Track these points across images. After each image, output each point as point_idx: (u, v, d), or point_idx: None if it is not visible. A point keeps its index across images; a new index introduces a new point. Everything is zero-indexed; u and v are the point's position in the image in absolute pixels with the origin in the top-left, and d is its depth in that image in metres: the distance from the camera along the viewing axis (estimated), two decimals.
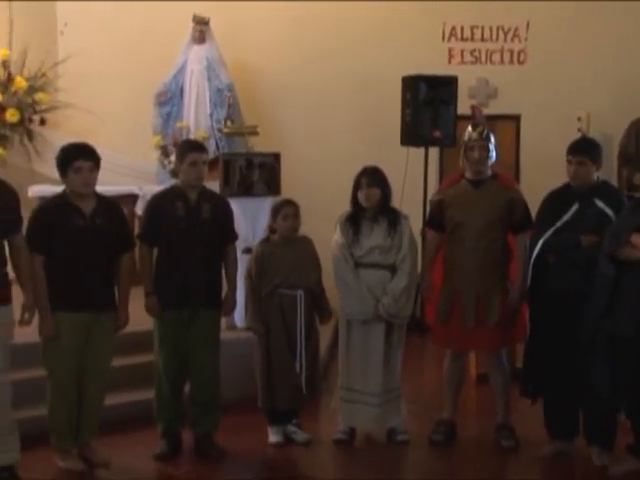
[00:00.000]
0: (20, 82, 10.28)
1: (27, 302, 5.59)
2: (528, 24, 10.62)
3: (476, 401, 7.37)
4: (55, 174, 5.95)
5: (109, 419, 6.15)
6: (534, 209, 6.13)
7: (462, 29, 10.68)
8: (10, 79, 10.30)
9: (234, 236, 6.36)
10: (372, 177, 6.20)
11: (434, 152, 10.12)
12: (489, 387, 6.56)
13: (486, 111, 9.88)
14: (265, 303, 6.27)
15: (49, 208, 5.86)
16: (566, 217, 5.84)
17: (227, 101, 10.16)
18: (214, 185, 7.27)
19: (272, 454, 6.25)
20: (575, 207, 5.83)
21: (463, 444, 6.36)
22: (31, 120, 10.38)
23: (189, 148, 6.26)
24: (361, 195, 6.18)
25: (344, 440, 6.38)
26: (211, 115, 10.30)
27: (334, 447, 6.33)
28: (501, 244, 6.22)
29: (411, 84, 9.71)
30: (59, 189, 5.94)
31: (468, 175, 6.30)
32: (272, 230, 6.38)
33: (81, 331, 5.73)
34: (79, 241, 5.69)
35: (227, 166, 7.81)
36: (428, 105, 9.67)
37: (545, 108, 10.56)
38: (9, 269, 5.56)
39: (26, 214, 5.70)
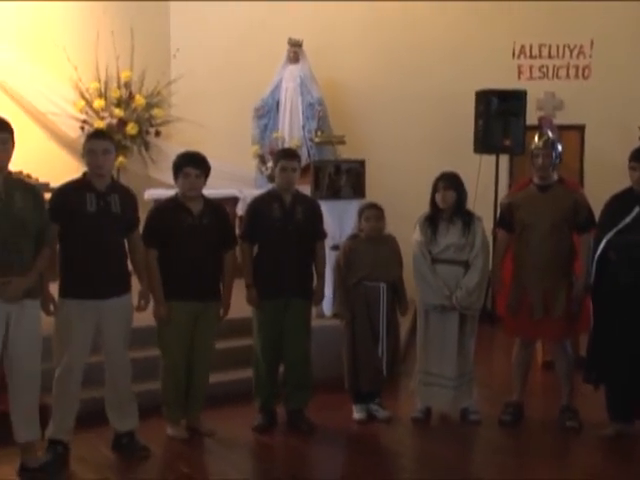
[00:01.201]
0: (139, 100, 10.44)
1: (143, 291, 5.70)
2: (592, 42, 10.43)
3: (542, 386, 7.25)
4: (168, 179, 6.03)
5: (213, 395, 6.19)
6: (597, 211, 6.01)
7: (531, 47, 10.53)
8: (131, 97, 10.46)
9: (323, 234, 6.34)
10: (449, 181, 6.15)
11: (504, 159, 9.99)
12: (554, 373, 6.46)
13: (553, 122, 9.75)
14: (351, 293, 6.25)
15: (162, 209, 5.93)
16: (628, 219, 5.70)
17: (318, 114, 10.21)
18: (306, 189, 7.27)
19: (356, 429, 6.23)
20: (637, 210, 5.69)
21: (530, 424, 6.26)
22: (148, 132, 10.52)
23: (281, 156, 6.28)
24: (439, 197, 6.13)
25: (421, 419, 6.34)
26: (303, 126, 10.30)
27: (412, 424, 6.29)
28: (566, 243, 6.10)
29: (484, 98, 9.63)
30: (172, 192, 6.00)
31: (535, 180, 6.20)
32: (360, 229, 6.35)
33: (190, 317, 5.78)
34: (188, 238, 5.74)
35: (318, 172, 7.81)
36: (499, 117, 9.57)
37: (607, 118, 10.35)
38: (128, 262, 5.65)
39: (142, 214, 5.79)
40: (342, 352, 6.34)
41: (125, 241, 5.58)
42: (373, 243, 6.28)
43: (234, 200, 9.51)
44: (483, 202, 8.51)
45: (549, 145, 6.13)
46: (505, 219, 6.30)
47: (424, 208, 6.27)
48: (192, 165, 5.78)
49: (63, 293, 5.34)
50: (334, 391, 6.51)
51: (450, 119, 10.26)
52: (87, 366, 5.46)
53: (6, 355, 5.00)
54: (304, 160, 8.83)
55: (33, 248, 5.03)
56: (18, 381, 5.05)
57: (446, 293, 6.06)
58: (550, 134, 6.38)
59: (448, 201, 6.10)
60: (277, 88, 10.49)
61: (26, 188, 5.13)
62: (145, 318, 5.78)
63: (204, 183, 5.87)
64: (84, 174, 5.49)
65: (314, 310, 6.49)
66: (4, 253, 4.90)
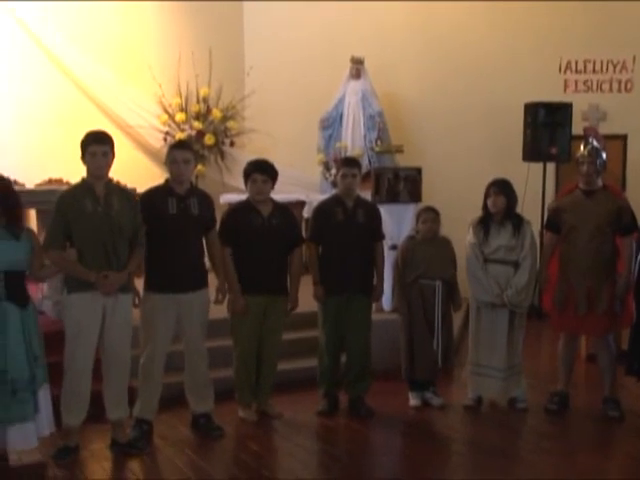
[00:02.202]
0: (216, 113, 10.53)
1: (220, 285, 5.74)
2: (634, 58, 10.21)
3: (586, 377, 7.11)
4: (241, 185, 6.06)
5: (281, 381, 6.22)
6: (639, 216, 5.90)
7: (576, 63, 10.36)
8: (208, 111, 10.56)
9: (382, 236, 6.31)
10: (499, 187, 6.09)
11: (551, 167, 9.84)
12: (597, 366, 6.32)
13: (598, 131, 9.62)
14: (408, 290, 6.21)
15: (236, 211, 5.95)
16: None
17: (378, 125, 10.19)
18: (367, 194, 7.25)
19: (412, 415, 6.19)
20: None
21: (574, 413, 6.16)
22: (223, 143, 10.60)
23: (343, 163, 6.29)
24: (490, 202, 6.07)
25: (472, 406, 6.27)
26: (365, 137, 10.28)
27: (463, 411, 6.23)
28: (609, 245, 5.98)
29: (532, 109, 9.53)
30: (244, 197, 6.02)
31: (581, 186, 6.10)
32: (416, 231, 6.31)
33: (259, 310, 5.80)
34: (258, 238, 5.77)
35: (378, 178, 7.78)
36: (546, 127, 9.46)
37: None
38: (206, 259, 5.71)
39: (219, 217, 5.82)
40: (400, 344, 6.31)
41: (203, 240, 5.63)
42: (429, 244, 6.23)
43: (301, 204, 9.54)
44: (531, 206, 8.40)
45: (594, 153, 6.02)
46: (552, 222, 6.20)
47: (476, 212, 6.21)
48: (259, 172, 5.80)
49: (148, 287, 5.42)
50: (392, 379, 6.50)
51: (500, 129, 10.15)
52: (169, 353, 5.53)
53: (102, 342, 5.09)
54: (365, 168, 8.81)
55: (127, 247, 5.12)
56: (111, 365, 5.15)
57: (497, 291, 6.01)
58: (595, 143, 6.26)
59: (499, 206, 6.04)
60: (341, 102, 10.48)
61: (123, 193, 5.22)
62: (220, 311, 5.82)
63: (272, 188, 5.89)
64: (166, 180, 5.55)
65: (374, 305, 6.45)
66: (102, 252, 5.01)
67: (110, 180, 5.16)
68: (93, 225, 4.99)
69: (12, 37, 9.72)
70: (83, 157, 5.06)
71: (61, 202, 5.06)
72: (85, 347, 5.04)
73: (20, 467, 5.00)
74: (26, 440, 4.92)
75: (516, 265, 6.03)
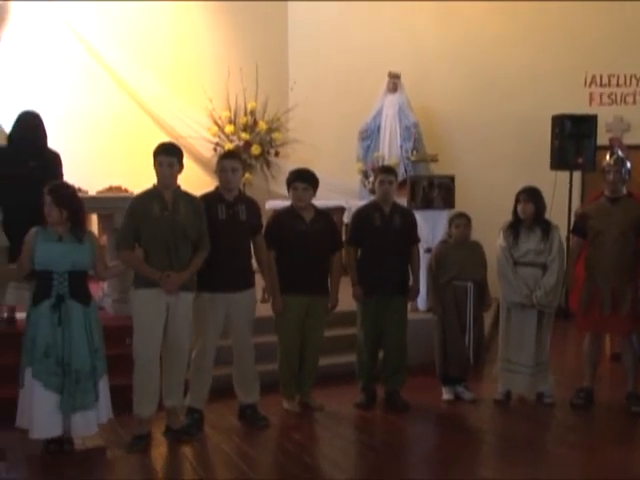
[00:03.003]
0: (262, 125, 10.59)
1: (267, 286, 5.74)
2: None
3: (610, 375, 7.00)
4: (285, 192, 6.07)
5: (323, 375, 6.20)
6: None
7: (601, 77, 10.25)
8: (255, 123, 10.63)
9: (417, 239, 6.29)
10: (529, 194, 6.04)
11: (577, 176, 9.75)
12: (621, 364, 6.23)
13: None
14: (442, 291, 6.18)
15: (280, 217, 5.96)
16: None
17: (413, 136, 10.19)
18: (403, 200, 7.23)
19: (444, 408, 6.16)
20: None
21: (598, 408, 6.07)
22: (269, 153, 10.66)
23: (380, 171, 6.28)
24: (520, 208, 6.02)
25: (502, 400, 6.22)
26: (401, 147, 10.26)
27: (493, 405, 6.18)
28: (632, 248, 5.89)
29: (559, 121, 9.45)
30: (288, 203, 6.04)
31: (607, 193, 6.02)
32: (449, 235, 6.28)
33: (301, 309, 5.80)
34: (301, 241, 5.77)
35: (413, 186, 7.77)
36: (572, 138, 9.38)
37: None
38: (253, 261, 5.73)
39: (264, 221, 5.83)
40: (433, 341, 6.28)
41: (250, 243, 5.64)
42: (461, 247, 6.20)
43: (341, 210, 9.52)
44: (558, 212, 8.31)
45: (619, 162, 5.95)
46: (579, 227, 6.13)
47: (506, 217, 6.16)
48: (300, 180, 5.81)
49: (199, 287, 5.41)
50: (426, 375, 6.47)
51: (529, 140, 10.07)
52: (218, 348, 5.55)
53: (164, 336, 5.13)
54: (401, 176, 8.82)
55: (190, 250, 5.15)
56: (171, 357, 5.18)
57: (526, 292, 5.96)
58: (620, 153, 6.19)
59: (528, 212, 5.99)
60: (378, 114, 10.47)
61: (190, 200, 5.23)
62: (266, 309, 5.84)
63: (313, 195, 5.89)
64: (217, 188, 5.57)
65: (410, 305, 6.42)
66: (166, 253, 5.05)
67: (178, 187, 5.19)
68: (159, 228, 5.04)
69: (77, 56, 9.88)
70: (154, 165, 5.12)
71: (132, 206, 5.12)
72: (151, 340, 5.07)
73: (84, 450, 5.09)
74: (87, 426, 4.98)
75: (544, 268, 5.98)
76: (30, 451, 4.99)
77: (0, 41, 9.49)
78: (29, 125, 6.15)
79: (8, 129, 6.44)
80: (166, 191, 5.11)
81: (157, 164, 5.08)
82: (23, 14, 9.64)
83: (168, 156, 5.08)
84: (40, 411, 4.83)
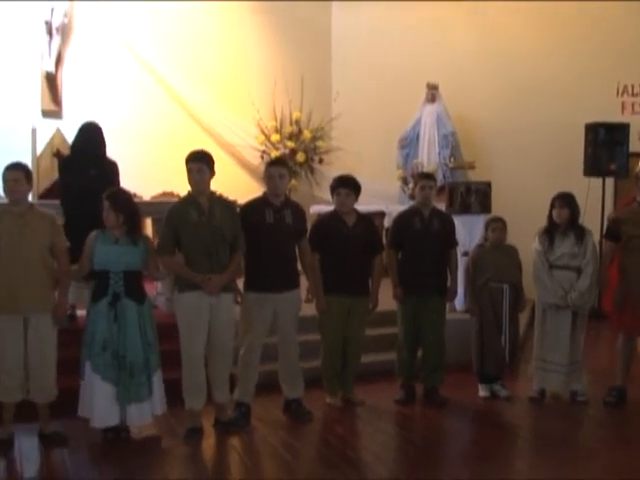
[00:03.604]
0: (306, 134, 10.63)
1: (310, 287, 5.76)
2: None
3: None
4: (329, 197, 6.08)
5: (364, 372, 6.21)
6: None
7: (632, 87, 10.10)
8: (300, 132, 10.66)
9: (455, 243, 6.26)
10: (564, 200, 5.98)
11: (610, 182, 9.61)
12: None
13: None
14: (479, 292, 6.14)
15: (324, 221, 5.98)
16: None
17: (451, 144, 10.15)
18: (442, 205, 7.20)
19: (481, 405, 6.12)
20: None
21: (631, 406, 5.99)
22: (313, 160, 10.69)
23: (420, 177, 6.30)
24: (555, 213, 5.96)
25: (536, 398, 6.16)
26: (439, 154, 10.21)
27: (528, 403, 6.12)
28: None
29: (592, 129, 9.35)
30: (332, 208, 6.04)
31: (639, 199, 5.93)
32: (486, 239, 6.24)
33: (344, 309, 5.80)
34: (344, 244, 5.77)
35: (451, 191, 7.74)
36: (605, 145, 9.27)
37: None
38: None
39: (309, 225, 5.86)
40: (471, 340, 6.24)
41: (296, 246, 5.66)
42: (497, 250, 6.16)
43: (382, 214, 9.51)
44: (591, 217, 8.20)
45: None
46: (612, 231, 6.04)
47: (541, 222, 6.10)
48: (343, 186, 5.82)
49: (247, 287, 5.46)
50: (463, 372, 6.42)
51: (563, 147, 9.94)
52: (264, 345, 5.58)
53: (208, 335, 5.15)
54: (440, 182, 8.77)
55: (228, 252, 5.17)
56: (216, 355, 5.21)
57: (561, 294, 5.89)
58: None
59: (563, 217, 5.93)
60: (418, 123, 10.44)
61: (225, 204, 5.26)
62: (310, 308, 5.85)
63: (355, 200, 5.88)
64: (264, 193, 5.59)
65: (448, 305, 6.39)
66: (206, 257, 5.07)
67: (213, 193, 5.22)
68: (198, 233, 5.06)
69: (133, 71, 10.00)
70: (186, 173, 5.15)
71: (170, 213, 5.16)
72: (196, 340, 5.11)
73: (140, 439, 5.16)
74: (142, 417, 5.07)
75: (578, 271, 5.91)
76: (91, 439, 5.07)
77: (64, 58, 9.65)
78: (90, 136, 6.25)
79: (71, 139, 6.58)
80: (201, 197, 5.12)
81: (188, 171, 5.11)
82: (85, 33, 9.80)
83: (196, 162, 5.09)
84: (99, 401, 4.93)
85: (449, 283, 6.14)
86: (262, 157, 10.44)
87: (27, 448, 4.96)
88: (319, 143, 10.70)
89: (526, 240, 6.20)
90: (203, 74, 10.28)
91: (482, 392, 6.24)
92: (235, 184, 9.08)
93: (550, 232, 5.99)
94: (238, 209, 5.48)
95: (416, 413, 5.95)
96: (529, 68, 10.28)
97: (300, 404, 5.69)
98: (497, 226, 6.15)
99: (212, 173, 5.16)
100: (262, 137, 10.58)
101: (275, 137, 10.58)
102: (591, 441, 5.35)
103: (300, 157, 10.53)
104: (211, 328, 5.14)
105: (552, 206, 6.00)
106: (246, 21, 10.78)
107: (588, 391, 6.12)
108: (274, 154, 10.30)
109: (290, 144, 10.57)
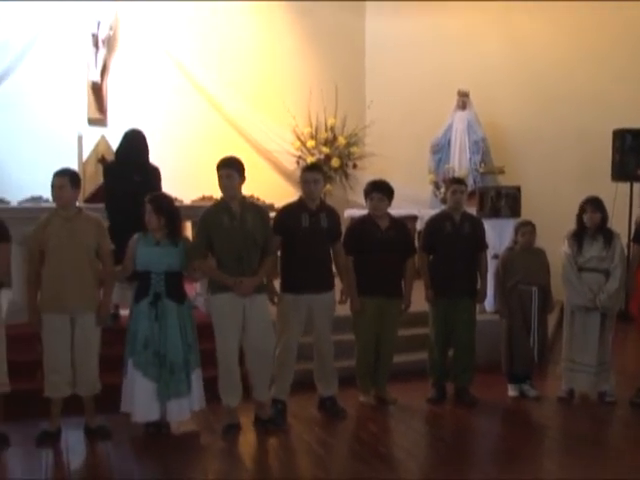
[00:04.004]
0: (341, 140, 10.62)
1: (344, 288, 5.75)
2: None
3: None
4: (363, 201, 6.07)
5: (397, 371, 6.18)
6: None
7: None
8: (335, 138, 10.66)
9: (485, 246, 6.22)
10: (595, 204, 5.92)
11: (637, 187, 9.46)
12: None
13: None
14: (508, 294, 6.10)
15: (358, 224, 5.98)
16: None
17: (481, 150, 10.11)
18: (472, 210, 7.16)
19: (510, 404, 6.08)
20: None
21: None
22: (347, 165, 10.67)
23: (452, 182, 6.27)
24: (586, 217, 5.90)
25: (565, 398, 6.10)
26: (470, 159, 10.17)
27: (557, 403, 6.07)
28: None
29: (619, 135, 9.24)
30: (366, 212, 6.04)
31: None
32: (515, 242, 6.19)
33: (377, 310, 5.78)
34: (377, 247, 5.76)
35: (482, 196, 7.71)
36: (632, 151, 9.17)
37: None
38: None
39: (343, 228, 5.86)
40: (500, 341, 6.20)
41: (330, 249, 5.66)
42: (526, 253, 6.11)
43: (414, 218, 9.47)
44: (619, 222, 8.10)
45: None
46: None
47: (569, 226, 6.05)
48: (376, 191, 5.81)
49: (283, 289, 5.48)
50: (493, 372, 6.36)
51: (591, 153, 9.83)
52: (300, 345, 5.59)
53: (244, 335, 5.17)
54: (470, 187, 8.73)
55: (259, 256, 5.17)
56: (255, 355, 5.21)
57: (590, 296, 5.84)
58: None
59: (595, 221, 5.88)
60: (449, 129, 10.40)
61: (256, 209, 5.28)
62: (344, 309, 5.85)
63: (388, 204, 5.87)
64: (300, 198, 5.61)
65: (478, 307, 6.35)
66: (237, 261, 5.08)
67: (244, 198, 5.23)
68: (229, 237, 5.07)
69: (174, 79, 10.09)
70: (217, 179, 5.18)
71: (203, 218, 5.18)
72: (230, 340, 5.12)
73: (179, 434, 5.21)
74: (181, 413, 5.11)
75: (607, 273, 5.84)
76: (133, 433, 5.13)
77: (109, 69, 9.78)
78: (134, 143, 6.30)
79: (115, 146, 6.65)
80: (233, 202, 5.13)
81: (218, 177, 5.12)
82: (129, 45, 9.92)
83: (226, 169, 5.10)
84: (140, 397, 4.98)
85: (479, 285, 6.10)
86: (298, 162, 10.46)
87: (73, 441, 5.04)
88: (353, 149, 10.69)
89: (555, 243, 6.16)
90: (241, 83, 10.35)
91: (511, 392, 6.19)
92: (271, 189, 9.13)
93: (579, 235, 5.94)
94: (273, 213, 5.50)
95: (447, 412, 5.92)
96: (557, 76, 10.19)
97: (334, 402, 5.69)
98: (527, 230, 6.11)
99: (242, 179, 5.16)
100: (298, 143, 10.61)
101: (310, 143, 10.59)
102: (619, 441, 5.29)
103: (335, 162, 10.54)
104: (246, 329, 5.15)
105: (582, 210, 5.94)
106: (282, 31, 10.82)
107: (616, 392, 6.04)
108: (309, 159, 10.31)
109: (325, 150, 10.57)
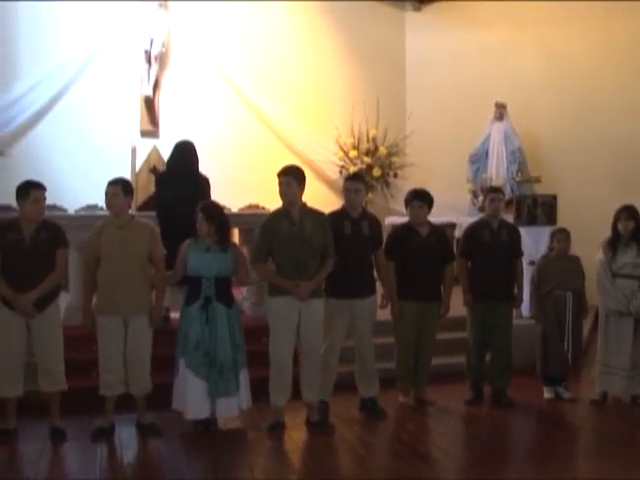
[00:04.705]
0: (382, 150, 10.64)
1: (385, 293, 5.75)
2: None
3: None
4: (404, 209, 6.06)
5: (435, 373, 6.15)
6: None
7: None
8: (376, 149, 10.68)
9: (521, 253, 6.19)
10: (630, 213, 5.84)
11: None
12: None
13: None
14: (544, 300, 6.03)
15: (399, 231, 5.97)
16: None
17: (518, 159, 10.05)
18: (509, 217, 7.10)
19: (545, 406, 6.03)
20: None
21: None
22: (388, 175, 10.67)
23: (490, 190, 6.27)
24: (621, 225, 5.83)
25: (599, 401, 6.01)
26: (507, 169, 10.09)
27: (591, 405, 5.99)
28: None
29: None
30: (406, 219, 6.01)
31: None
32: (551, 249, 6.13)
33: (418, 314, 5.76)
34: (418, 254, 5.75)
35: (519, 204, 7.65)
36: None
37: None
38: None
39: (384, 236, 5.86)
40: (536, 345, 6.14)
41: (372, 255, 5.65)
42: (561, 260, 6.06)
43: (452, 225, 9.42)
44: None
45: None
46: None
47: (604, 233, 5.98)
48: (417, 199, 5.79)
49: (328, 293, 5.44)
50: (528, 375, 6.30)
51: (625, 162, 9.67)
52: (342, 347, 5.58)
53: (299, 338, 5.20)
54: (508, 195, 8.68)
55: (318, 261, 5.17)
56: (307, 357, 5.22)
57: (623, 301, 5.77)
58: None
59: (628, 229, 5.81)
60: (487, 140, 10.33)
61: (315, 215, 5.24)
62: (385, 313, 5.83)
63: (428, 212, 5.85)
64: (343, 206, 5.61)
65: (514, 312, 6.28)
66: (295, 266, 5.09)
67: (304, 204, 5.23)
68: (288, 243, 5.09)
69: (222, 92, 10.23)
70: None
71: (264, 225, 5.20)
72: (285, 341, 5.14)
73: (227, 431, 5.25)
74: (229, 411, 5.14)
75: None
76: (182, 429, 5.18)
77: (161, 84, 9.93)
78: (184, 153, 6.36)
79: (166, 156, 6.73)
80: (293, 209, 5.14)
81: (278, 184, 5.14)
82: (180, 61, 10.07)
83: (284, 176, 5.12)
84: (191, 396, 5.03)
85: (515, 291, 6.05)
86: (341, 172, 10.49)
87: (126, 436, 5.11)
88: (394, 159, 10.69)
89: (590, 250, 6.09)
90: (287, 96, 10.43)
91: (546, 394, 6.13)
92: (315, 197, 9.08)
93: (614, 243, 5.87)
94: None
95: (484, 413, 5.88)
96: (591, 87, 10.06)
97: (375, 403, 5.68)
98: (562, 237, 6.06)
99: (301, 186, 5.16)
100: (341, 153, 10.64)
101: (353, 153, 10.62)
102: None
103: (376, 172, 10.54)
104: (301, 332, 5.16)
105: (617, 218, 5.86)
106: (326, 47, 10.89)
107: None
108: (352, 169, 10.34)
109: (367, 160, 10.59)
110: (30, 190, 4.92)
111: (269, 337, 5.22)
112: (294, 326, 5.13)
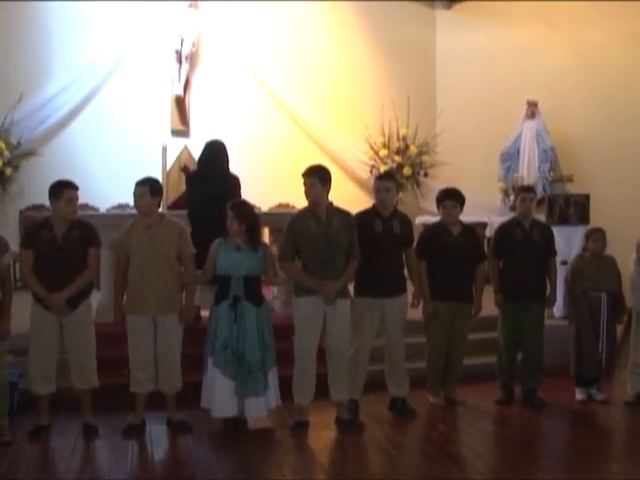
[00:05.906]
0: (412, 149, 10.59)
1: (416, 292, 5.73)
2: None
3: None
4: (434, 209, 6.05)
5: (466, 373, 6.13)
6: None
7: None
8: (406, 147, 10.63)
9: (554, 252, 6.14)
10: None
11: None
12: None
13: None
14: (578, 300, 5.98)
15: (431, 231, 5.97)
16: None
17: (550, 158, 9.92)
18: (541, 217, 7.04)
19: (577, 407, 5.97)
20: None
21: None
22: (419, 173, 10.64)
23: (521, 190, 6.25)
24: None
25: (632, 402, 5.94)
26: (539, 168, 9.98)
27: (624, 406, 5.93)
28: None
29: None
30: (438, 219, 6.02)
31: None
32: (585, 249, 6.06)
33: (449, 314, 5.76)
34: (449, 253, 5.73)
35: (551, 203, 7.58)
36: None
37: None
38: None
39: (415, 235, 5.86)
40: (568, 346, 6.08)
41: (403, 254, 5.64)
42: (596, 260, 6.00)
43: (483, 225, 9.36)
44: None
45: None
46: None
47: (637, 233, 5.92)
48: (449, 198, 5.78)
49: (358, 292, 5.47)
50: (561, 376, 6.24)
51: None
52: (372, 346, 5.59)
53: (325, 338, 5.20)
54: (540, 194, 8.61)
55: (344, 260, 5.18)
56: (334, 357, 5.23)
57: None
58: None
59: None
60: (518, 138, 10.23)
61: (342, 215, 5.25)
62: (416, 313, 5.83)
63: (460, 212, 5.83)
64: (374, 205, 5.61)
65: (547, 312, 6.23)
66: (322, 265, 5.10)
67: (331, 204, 5.23)
68: (316, 242, 5.10)
69: (253, 91, 10.26)
70: None
71: (291, 224, 5.22)
72: (310, 341, 5.16)
73: (255, 430, 5.28)
74: (258, 410, 5.16)
75: None
76: (212, 428, 5.22)
77: (192, 83, 10.00)
78: (215, 152, 6.38)
79: (197, 155, 6.78)
80: (319, 208, 5.15)
81: (303, 184, 5.15)
82: (210, 60, 10.14)
83: (308, 177, 5.13)
84: (220, 394, 5.06)
85: (548, 290, 6.00)
86: (371, 171, 10.48)
87: (156, 433, 5.17)
88: (424, 158, 10.65)
89: (624, 250, 6.03)
90: (318, 95, 10.43)
91: (579, 395, 6.07)
92: (346, 196, 9.10)
93: None
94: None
95: (514, 413, 5.85)
96: (624, 85, 9.90)
97: (405, 402, 5.68)
98: (598, 236, 6.01)
99: (326, 186, 5.15)
100: (371, 152, 10.62)
101: (383, 152, 10.60)
102: None
103: (407, 171, 10.52)
104: (327, 331, 5.17)
105: None
106: (356, 45, 10.86)
107: None
108: (382, 168, 10.32)
109: (397, 158, 10.56)
110: (63, 189, 4.99)
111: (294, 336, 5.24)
112: (319, 326, 5.14)
